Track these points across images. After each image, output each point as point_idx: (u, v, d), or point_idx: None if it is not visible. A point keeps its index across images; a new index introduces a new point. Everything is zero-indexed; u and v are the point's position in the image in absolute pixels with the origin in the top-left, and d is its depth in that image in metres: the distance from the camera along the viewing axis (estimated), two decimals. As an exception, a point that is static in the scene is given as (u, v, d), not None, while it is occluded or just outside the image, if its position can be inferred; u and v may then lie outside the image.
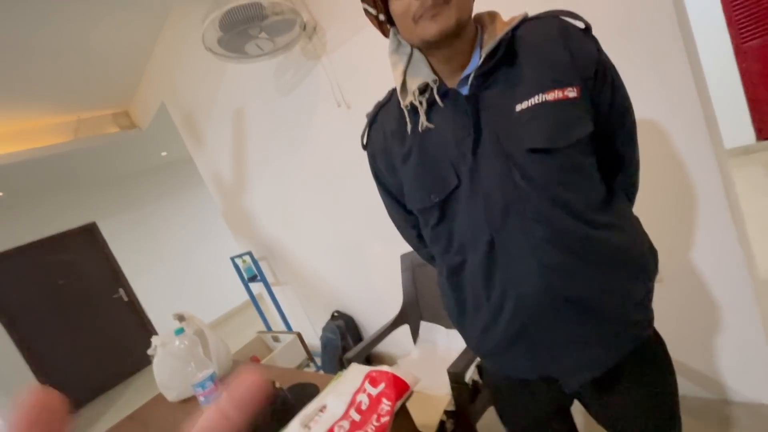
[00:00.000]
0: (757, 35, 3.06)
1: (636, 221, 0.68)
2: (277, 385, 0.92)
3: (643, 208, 1.15)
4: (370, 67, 1.59)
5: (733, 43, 3.16)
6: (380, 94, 0.76)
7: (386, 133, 0.71)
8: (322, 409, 0.77)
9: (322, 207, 2.21)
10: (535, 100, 0.56)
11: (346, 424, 0.70)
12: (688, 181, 1.08)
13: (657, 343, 0.70)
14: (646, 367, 0.67)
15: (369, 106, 0.80)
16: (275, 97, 2.06)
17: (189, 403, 1.21)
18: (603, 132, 0.62)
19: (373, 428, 0.67)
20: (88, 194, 4.62)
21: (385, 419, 0.69)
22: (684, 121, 1.03)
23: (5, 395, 3.46)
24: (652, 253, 0.67)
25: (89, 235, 4.58)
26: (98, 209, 4.67)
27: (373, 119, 0.75)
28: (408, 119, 0.66)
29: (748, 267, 1.08)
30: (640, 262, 0.63)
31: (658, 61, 1.02)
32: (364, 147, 0.79)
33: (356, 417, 0.71)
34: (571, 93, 0.56)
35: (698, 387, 1.27)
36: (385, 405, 0.71)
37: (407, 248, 1.65)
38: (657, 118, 1.06)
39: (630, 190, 0.72)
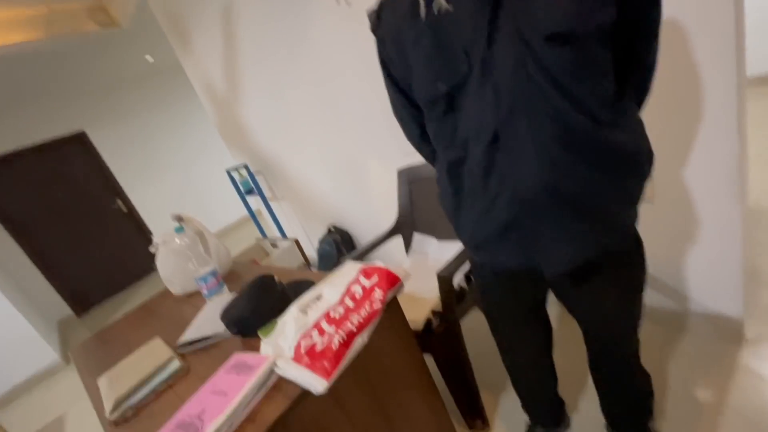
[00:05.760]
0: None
1: (640, 124, 0.68)
2: (277, 279, 0.97)
3: (648, 115, 1.13)
4: (374, -44, 1.41)
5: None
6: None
7: (398, 14, 0.67)
8: (319, 297, 0.83)
9: (319, 120, 2.13)
10: None
11: (340, 309, 0.76)
12: (700, 96, 1.04)
13: (637, 243, 0.75)
14: (622, 264, 0.73)
15: (370, 2, 0.72)
16: (267, -9, 1.86)
17: (193, 296, 1.29)
18: (625, 23, 0.58)
19: (366, 313, 0.73)
20: (75, 101, 4.41)
21: (377, 306, 0.74)
22: (712, 32, 0.96)
23: (27, 300, 3.68)
24: (650, 156, 0.68)
25: (80, 144, 4.48)
26: (86, 117, 4.50)
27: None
28: (422, 1, 0.61)
29: (740, 191, 1.09)
30: (638, 163, 0.65)
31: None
32: (373, 30, 0.73)
33: (350, 304, 0.77)
34: None
35: (666, 299, 1.37)
36: (378, 294, 0.76)
37: (404, 163, 1.65)
38: (684, 21, 0.98)
39: (641, 94, 0.70)
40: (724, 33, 0.95)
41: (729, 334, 1.26)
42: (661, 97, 1.08)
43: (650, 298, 1.39)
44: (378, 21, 0.72)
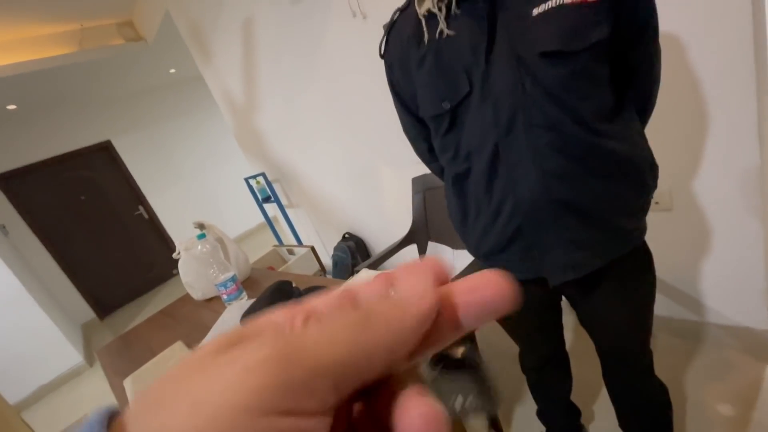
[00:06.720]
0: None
1: (641, 135, 0.69)
2: (294, 285, 1.00)
3: (664, 128, 1.12)
4: (389, -29, 1.45)
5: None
6: (399, 2, 0.74)
7: (403, 39, 0.71)
8: (335, 304, 0.85)
9: (334, 129, 2.18)
10: (553, 2, 0.56)
11: (356, 316, 0.78)
12: (717, 105, 1.03)
13: (644, 253, 0.75)
14: (629, 275, 0.73)
15: (386, 17, 0.77)
16: (286, 6, 1.92)
17: (213, 301, 1.33)
18: (621, 40, 0.60)
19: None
20: (101, 112, 4.60)
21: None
22: (729, 37, 0.95)
23: (54, 303, 3.83)
24: (653, 169, 0.69)
25: (105, 153, 4.65)
26: (112, 127, 4.68)
27: (392, 26, 0.74)
28: (425, 27, 0.65)
29: (761, 203, 1.07)
30: (639, 175, 0.66)
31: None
32: (382, 56, 0.78)
33: (365, 310, 0.78)
34: None
35: (685, 309, 1.34)
36: (392, 301, 0.77)
37: (418, 172, 1.66)
38: (699, 27, 0.98)
39: (644, 106, 0.71)
40: (740, 39, 0.94)
41: (754, 347, 1.23)
42: (678, 106, 1.07)
43: (669, 308, 1.37)
44: (386, 47, 0.76)
